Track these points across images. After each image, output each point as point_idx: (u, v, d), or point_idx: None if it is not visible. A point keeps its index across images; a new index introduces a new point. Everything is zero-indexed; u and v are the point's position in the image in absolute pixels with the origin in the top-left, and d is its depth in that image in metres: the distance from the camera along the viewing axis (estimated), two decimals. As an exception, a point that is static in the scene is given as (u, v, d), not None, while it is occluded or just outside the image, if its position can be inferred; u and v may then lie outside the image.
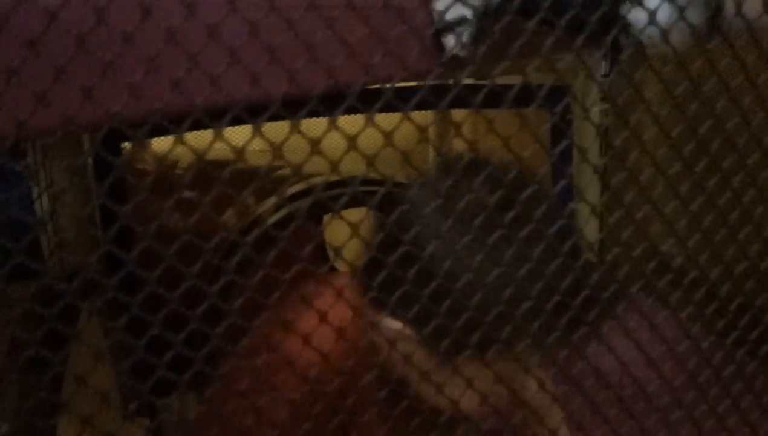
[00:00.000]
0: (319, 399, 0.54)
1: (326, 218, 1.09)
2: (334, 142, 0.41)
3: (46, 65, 0.32)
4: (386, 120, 0.43)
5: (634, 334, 0.53)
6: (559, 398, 0.59)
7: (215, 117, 0.38)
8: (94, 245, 1.00)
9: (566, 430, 0.72)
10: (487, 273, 0.51)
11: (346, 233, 0.43)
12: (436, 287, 0.50)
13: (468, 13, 0.50)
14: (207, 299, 0.40)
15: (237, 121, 0.38)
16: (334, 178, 0.97)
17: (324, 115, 0.40)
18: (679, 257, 0.60)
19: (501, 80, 0.45)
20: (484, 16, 0.50)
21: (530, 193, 0.50)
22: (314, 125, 0.41)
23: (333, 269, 1.04)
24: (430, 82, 0.46)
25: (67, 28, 0.32)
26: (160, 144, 1.32)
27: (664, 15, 0.48)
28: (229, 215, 1.28)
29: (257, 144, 0.39)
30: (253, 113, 0.38)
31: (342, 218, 0.43)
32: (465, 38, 0.51)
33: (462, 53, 0.51)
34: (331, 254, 1.11)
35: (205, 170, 0.40)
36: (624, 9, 0.49)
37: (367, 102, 0.41)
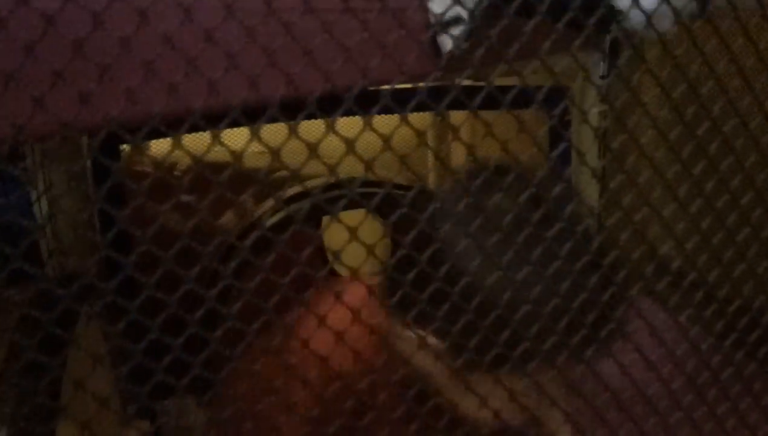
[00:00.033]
0: (336, 410, 0.54)
1: (325, 220, 1.09)
2: (332, 144, 0.41)
3: (43, 70, 0.32)
4: (385, 121, 0.43)
5: (633, 336, 0.53)
6: (571, 411, 0.59)
7: (213, 120, 0.38)
8: (93, 248, 0.99)
9: (567, 430, 0.72)
10: (515, 284, 0.50)
11: (345, 234, 0.43)
12: (464, 296, 0.49)
13: (463, 12, 0.50)
14: (205, 303, 0.40)
15: (235, 123, 0.38)
16: (333, 180, 0.97)
17: (322, 118, 0.40)
18: (678, 258, 0.60)
19: (499, 82, 0.45)
20: (478, 13, 0.49)
21: (559, 203, 0.49)
22: (313, 126, 0.41)
23: (333, 272, 1.04)
24: (428, 83, 0.46)
25: (65, 32, 0.32)
26: (159, 146, 1.32)
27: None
28: (227, 217, 1.28)
29: (256, 146, 0.39)
30: (251, 116, 0.38)
31: (340, 220, 0.43)
32: (460, 37, 0.51)
33: (458, 51, 0.51)
34: (330, 256, 1.12)
35: (204, 173, 0.40)
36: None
37: (364, 104, 0.41)
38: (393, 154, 0.43)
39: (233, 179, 0.41)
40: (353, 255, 0.44)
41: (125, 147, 1.09)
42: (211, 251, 0.41)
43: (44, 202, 0.97)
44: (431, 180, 1.63)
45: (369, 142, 0.42)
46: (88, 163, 0.96)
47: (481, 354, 0.51)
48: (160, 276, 0.39)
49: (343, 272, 0.97)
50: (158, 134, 0.36)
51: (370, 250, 0.44)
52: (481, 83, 0.44)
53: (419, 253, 0.47)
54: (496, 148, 0.46)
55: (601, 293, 0.53)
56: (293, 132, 0.38)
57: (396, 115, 0.44)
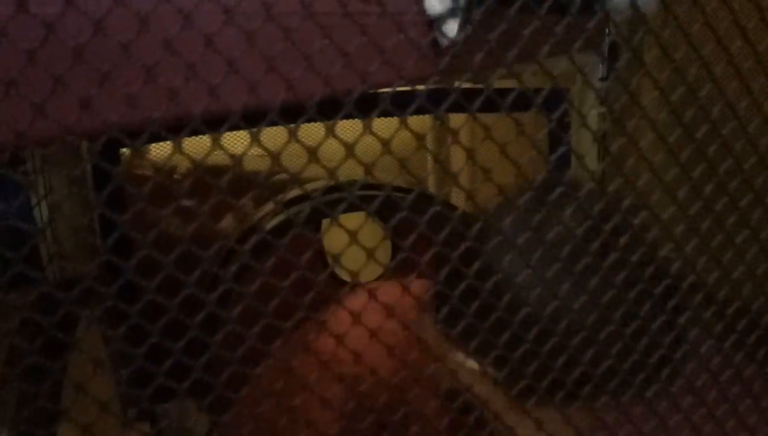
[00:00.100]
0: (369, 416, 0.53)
1: (325, 223, 1.09)
2: (332, 147, 0.41)
3: (44, 76, 0.33)
4: (384, 124, 0.43)
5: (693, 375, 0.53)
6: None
7: (213, 124, 0.38)
8: (93, 252, 1.00)
9: None
10: (574, 312, 0.50)
11: (345, 237, 0.43)
12: (518, 322, 0.48)
13: (458, 3, 0.50)
14: (206, 306, 0.40)
15: (235, 127, 0.38)
16: (332, 183, 0.97)
17: (322, 121, 0.40)
18: (677, 261, 0.60)
19: (498, 85, 0.45)
20: (471, 4, 0.49)
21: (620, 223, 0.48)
22: (313, 129, 0.42)
23: (333, 276, 1.04)
24: (428, 87, 0.46)
25: (65, 39, 0.32)
26: (158, 149, 1.33)
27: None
28: (227, 221, 1.28)
29: (255, 150, 0.39)
30: (251, 120, 0.38)
31: (340, 224, 0.43)
32: (456, 29, 0.51)
33: (455, 44, 0.51)
34: (330, 259, 1.12)
35: (203, 177, 0.40)
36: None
37: (364, 108, 0.41)
38: (393, 158, 0.43)
39: (233, 183, 0.41)
40: (353, 258, 0.44)
41: (125, 151, 1.09)
42: (211, 254, 0.41)
43: (44, 207, 0.97)
44: (431, 183, 1.64)
45: (369, 146, 0.42)
46: (89, 167, 0.96)
47: (541, 385, 0.50)
48: (161, 280, 0.39)
49: (343, 274, 0.97)
50: (159, 138, 0.37)
51: (370, 253, 0.44)
52: (480, 86, 0.44)
53: (474, 278, 0.46)
54: (496, 151, 0.47)
55: (666, 327, 0.53)
56: (293, 136, 0.38)
57: (395, 118, 0.44)
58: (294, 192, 1.14)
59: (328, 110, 0.40)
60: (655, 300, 0.52)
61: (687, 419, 0.53)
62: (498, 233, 0.53)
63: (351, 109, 0.40)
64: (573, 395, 0.52)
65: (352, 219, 0.45)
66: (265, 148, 0.38)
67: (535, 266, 0.51)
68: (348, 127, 0.43)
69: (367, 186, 0.52)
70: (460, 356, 0.60)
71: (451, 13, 0.51)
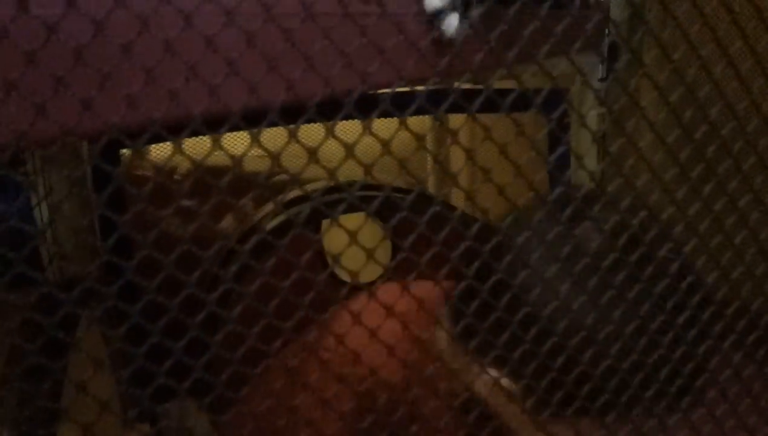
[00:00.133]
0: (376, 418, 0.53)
1: (324, 223, 1.09)
2: (332, 147, 0.41)
3: (45, 77, 0.33)
4: (384, 125, 0.43)
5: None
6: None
7: (213, 125, 0.38)
8: (93, 253, 1.00)
9: None
10: (601, 329, 0.49)
11: (344, 238, 0.43)
12: (539, 336, 0.48)
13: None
14: (206, 306, 0.40)
15: (235, 128, 0.38)
16: (332, 183, 0.97)
17: (321, 122, 0.40)
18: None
19: (498, 85, 0.45)
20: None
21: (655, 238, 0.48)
22: (312, 129, 0.42)
23: (333, 276, 1.04)
24: (427, 87, 0.46)
25: (66, 40, 0.32)
26: (159, 150, 1.33)
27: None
28: (227, 221, 1.29)
29: (256, 150, 0.39)
30: (251, 121, 0.38)
31: (340, 224, 0.43)
32: (456, 24, 0.51)
33: (455, 38, 0.51)
34: (329, 259, 1.12)
35: (204, 177, 0.40)
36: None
37: (364, 108, 0.41)
38: (392, 158, 0.43)
39: (233, 183, 0.41)
40: (353, 259, 0.44)
41: (126, 152, 1.09)
42: (211, 255, 0.41)
43: (45, 207, 0.97)
44: (430, 183, 1.64)
45: (368, 146, 0.42)
46: (89, 168, 0.96)
47: (560, 399, 0.50)
48: (161, 280, 0.39)
49: (343, 275, 0.97)
50: (159, 139, 0.37)
51: (369, 253, 0.44)
52: (480, 86, 0.45)
53: (492, 287, 0.46)
54: (495, 152, 0.47)
55: (694, 342, 0.52)
56: (293, 136, 0.38)
57: (395, 118, 0.44)
58: (294, 193, 1.14)
59: (328, 111, 0.40)
60: (685, 313, 0.52)
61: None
62: (521, 248, 0.53)
63: (351, 110, 0.40)
64: (607, 407, 0.52)
65: (352, 219, 0.45)
66: (265, 149, 0.38)
67: (558, 280, 0.51)
68: (348, 128, 0.43)
69: (367, 187, 0.52)
70: (477, 368, 0.59)
71: (450, 7, 0.51)
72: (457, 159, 1.48)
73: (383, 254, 1.04)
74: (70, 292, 0.39)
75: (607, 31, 0.97)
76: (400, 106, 0.43)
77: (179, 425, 1.00)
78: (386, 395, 0.60)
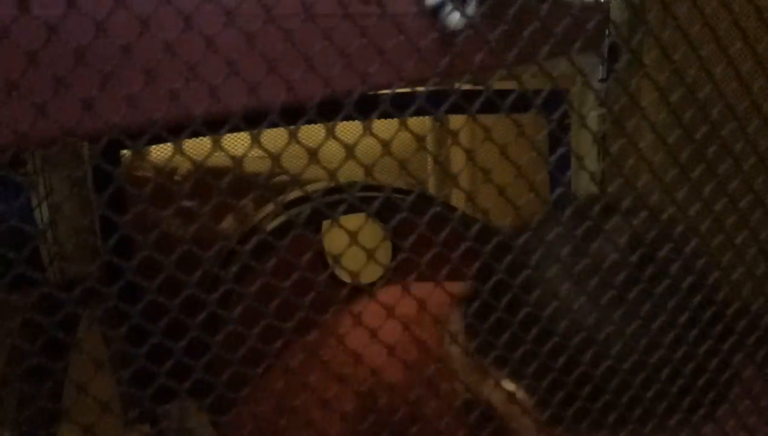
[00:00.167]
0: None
1: (325, 224, 1.09)
2: (332, 148, 0.41)
3: (45, 77, 0.33)
4: (384, 126, 0.43)
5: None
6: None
7: (214, 126, 0.39)
8: (94, 253, 1.00)
9: None
10: (617, 340, 0.49)
11: (345, 239, 0.43)
12: (556, 350, 0.49)
13: None
14: (207, 307, 0.40)
15: (236, 129, 0.38)
16: (333, 184, 0.98)
17: (322, 123, 0.40)
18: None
19: (498, 86, 0.45)
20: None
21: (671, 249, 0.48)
22: (313, 130, 0.42)
23: (333, 277, 1.04)
24: (428, 88, 0.46)
25: (67, 40, 0.33)
26: (159, 151, 1.33)
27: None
28: (228, 222, 1.29)
29: (256, 151, 0.39)
30: (252, 122, 0.38)
31: (340, 225, 0.43)
32: (456, 18, 0.51)
33: (457, 29, 0.51)
34: (330, 260, 1.12)
35: (204, 178, 0.40)
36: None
37: (364, 109, 0.41)
38: (393, 159, 0.43)
39: (234, 184, 0.42)
40: (353, 259, 0.44)
41: (126, 152, 1.09)
42: (212, 255, 0.41)
43: (45, 208, 0.97)
44: (431, 184, 1.64)
45: (369, 147, 0.42)
46: (89, 168, 0.96)
47: (574, 413, 0.50)
48: (162, 281, 0.39)
49: (344, 275, 0.97)
50: (159, 140, 0.37)
51: (370, 254, 0.44)
52: (480, 87, 0.45)
53: (508, 302, 0.46)
54: (495, 152, 0.47)
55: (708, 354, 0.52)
56: (293, 137, 0.39)
57: (395, 119, 0.44)
58: (294, 193, 1.14)
59: (329, 111, 0.40)
60: (702, 326, 0.52)
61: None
62: (538, 262, 0.52)
63: (351, 111, 0.40)
64: (622, 420, 0.52)
65: (353, 220, 0.45)
66: (266, 150, 0.38)
67: (580, 291, 0.51)
68: (348, 129, 0.43)
69: (367, 187, 0.52)
70: (494, 379, 0.59)
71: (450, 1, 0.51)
72: (457, 160, 1.48)
73: (383, 254, 1.04)
74: (70, 292, 0.39)
75: (607, 31, 0.97)
76: (400, 106, 0.44)
77: (180, 426, 1.00)
78: (387, 396, 0.60)
